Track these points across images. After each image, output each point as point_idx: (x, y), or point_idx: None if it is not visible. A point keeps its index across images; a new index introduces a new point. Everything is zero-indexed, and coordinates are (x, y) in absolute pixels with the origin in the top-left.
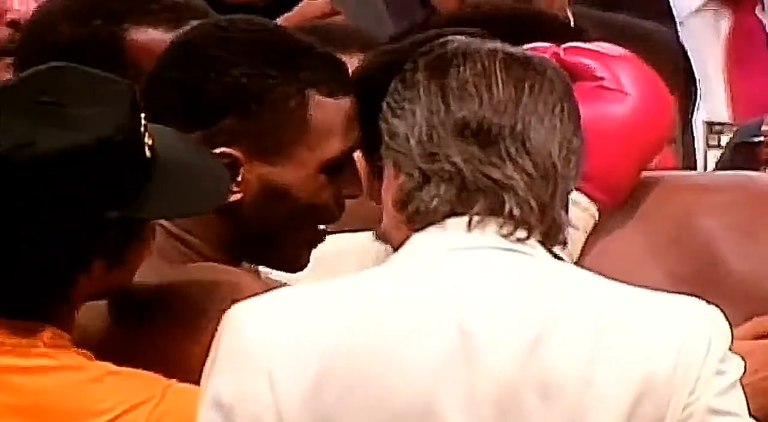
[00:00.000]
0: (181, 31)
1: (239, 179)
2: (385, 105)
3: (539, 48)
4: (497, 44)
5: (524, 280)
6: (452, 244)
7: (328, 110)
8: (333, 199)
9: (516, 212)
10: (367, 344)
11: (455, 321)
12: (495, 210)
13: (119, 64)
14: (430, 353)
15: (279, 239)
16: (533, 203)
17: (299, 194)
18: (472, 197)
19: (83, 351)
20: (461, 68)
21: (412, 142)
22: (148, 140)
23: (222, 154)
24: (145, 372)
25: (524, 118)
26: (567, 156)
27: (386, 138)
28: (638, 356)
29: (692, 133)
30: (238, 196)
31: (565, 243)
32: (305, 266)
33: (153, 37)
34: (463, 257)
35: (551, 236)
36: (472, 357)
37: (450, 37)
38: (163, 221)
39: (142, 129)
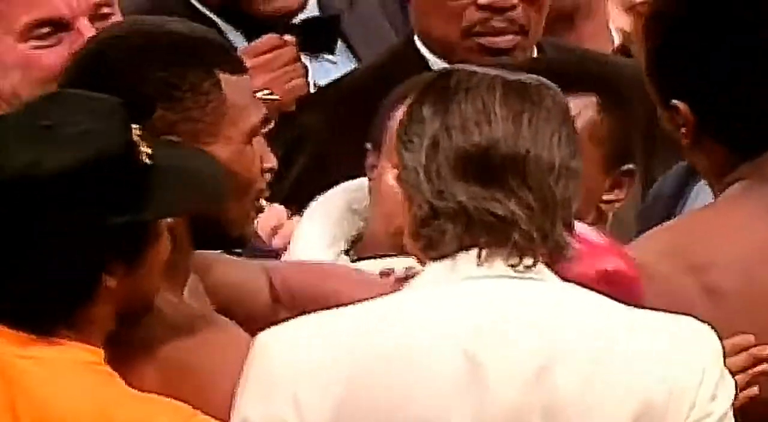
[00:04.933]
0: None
1: None
2: (396, 137)
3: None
4: (498, 74)
5: (531, 309)
6: (464, 274)
7: (237, 85)
8: (260, 171)
9: (521, 243)
10: (384, 370)
11: (464, 350)
12: (501, 243)
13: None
14: (439, 381)
15: (226, 217)
16: (536, 234)
17: (235, 167)
18: (478, 233)
19: (110, 369)
20: (462, 105)
21: (422, 176)
22: (146, 149)
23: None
24: (169, 401)
25: (523, 151)
26: (566, 182)
27: (400, 169)
28: (636, 381)
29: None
30: None
31: (569, 259)
32: (249, 240)
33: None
34: (474, 286)
35: (555, 258)
36: (480, 386)
37: (453, 68)
38: None
39: (136, 139)
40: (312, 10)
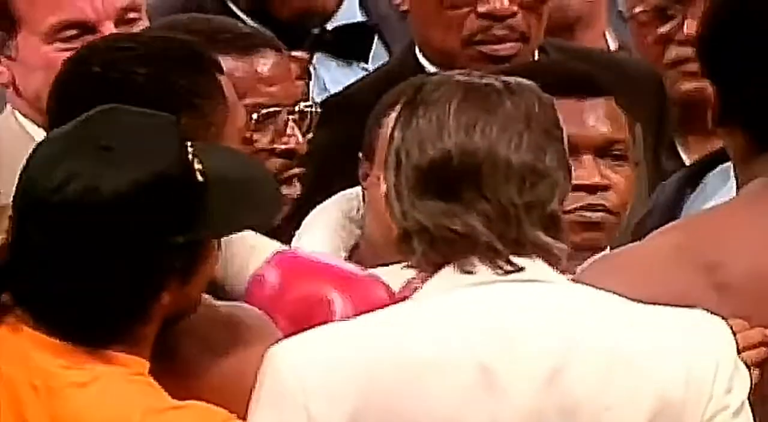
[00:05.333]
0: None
1: None
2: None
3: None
4: (462, 82)
5: (537, 311)
6: (462, 282)
7: (228, 85)
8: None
9: (487, 253)
10: (397, 381)
11: (475, 358)
12: (467, 255)
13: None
14: (451, 390)
15: None
16: (498, 244)
17: None
18: (442, 250)
19: (152, 380)
20: (420, 120)
21: (392, 195)
22: (197, 166)
23: None
24: (206, 406)
25: (476, 161)
26: (532, 184)
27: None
28: (651, 379)
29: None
30: None
31: (559, 261)
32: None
33: (228, 62)
34: (478, 293)
35: (547, 259)
36: (494, 391)
37: (424, 79)
38: None
39: (190, 157)
40: (352, 15)
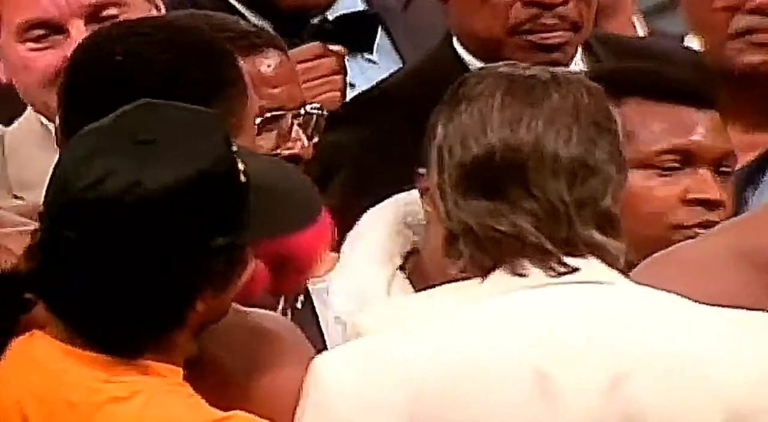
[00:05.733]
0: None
1: None
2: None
3: None
4: (506, 76)
5: (597, 316)
6: (512, 286)
7: (244, 71)
8: None
9: (536, 254)
10: (447, 391)
11: (532, 364)
12: (516, 256)
13: None
14: (506, 399)
15: None
16: (548, 244)
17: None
18: (490, 251)
19: (190, 389)
20: (463, 117)
21: (437, 196)
22: (240, 166)
23: None
24: (251, 417)
25: (523, 158)
26: (584, 179)
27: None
28: (721, 384)
29: None
30: None
31: (617, 260)
32: None
33: None
34: (529, 297)
35: (605, 260)
36: (551, 399)
37: (467, 76)
38: None
39: (235, 155)
40: (353, 4)
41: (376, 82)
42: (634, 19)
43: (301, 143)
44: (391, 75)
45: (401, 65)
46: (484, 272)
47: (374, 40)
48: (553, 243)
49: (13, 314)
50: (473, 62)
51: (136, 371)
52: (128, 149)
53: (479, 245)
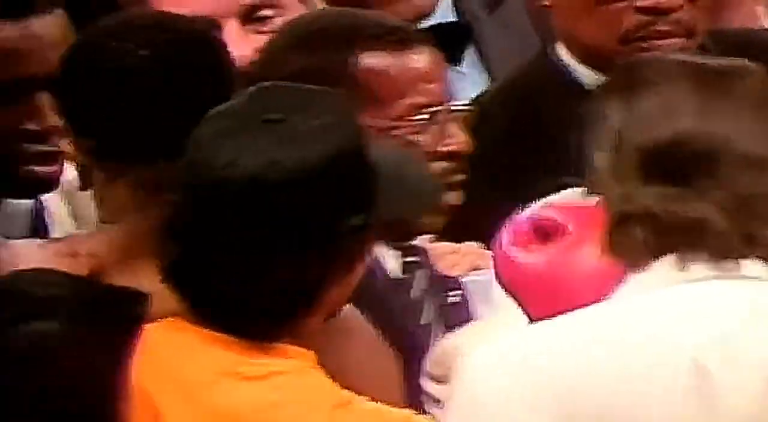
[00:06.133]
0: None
1: None
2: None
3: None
4: (688, 62)
5: (762, 311)
6: (676, 278)
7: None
8: None
9: (720, 247)
10: (605, 387)
11: (690, 359)
12: (696, 248)
13: (349, 88)
14: (666, 393)
15: None
16: (736, 238)
17: None
18: (670, 238)
19: (325, 375)
20: (643, 102)
21: (608, 178)
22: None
23: None
24: (382, 408)
25: (715, 148)
26: None
27: (591, 170)
28: None
29: None
30: None
31: None
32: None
33: (382, 59)
34: (694, 290)
35: None
36: (710, 396)
37: (637, 59)
38: None
39: (365, 134)
40: (444, 14)
41: (475, 96)
42: (761, 9)
43: (460, 139)
44: (489, 89)
45: (487, 76)
46: (652, 258)
47: (463, 51)
48: (737, 238)
49: (134, 327)
50: (580, 70)
51: (272, 354)
52: (259, 128)
53: (658, 230)
